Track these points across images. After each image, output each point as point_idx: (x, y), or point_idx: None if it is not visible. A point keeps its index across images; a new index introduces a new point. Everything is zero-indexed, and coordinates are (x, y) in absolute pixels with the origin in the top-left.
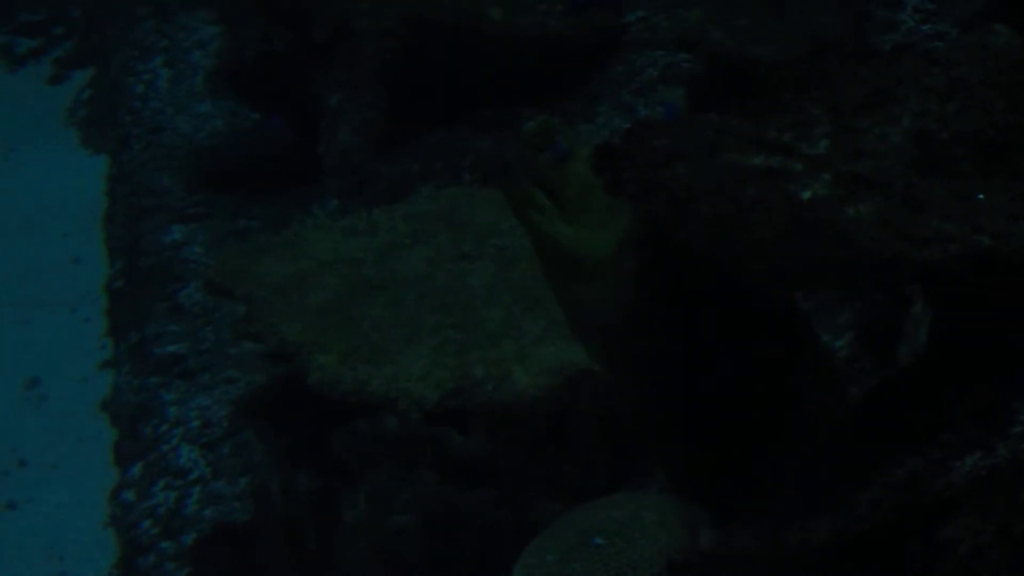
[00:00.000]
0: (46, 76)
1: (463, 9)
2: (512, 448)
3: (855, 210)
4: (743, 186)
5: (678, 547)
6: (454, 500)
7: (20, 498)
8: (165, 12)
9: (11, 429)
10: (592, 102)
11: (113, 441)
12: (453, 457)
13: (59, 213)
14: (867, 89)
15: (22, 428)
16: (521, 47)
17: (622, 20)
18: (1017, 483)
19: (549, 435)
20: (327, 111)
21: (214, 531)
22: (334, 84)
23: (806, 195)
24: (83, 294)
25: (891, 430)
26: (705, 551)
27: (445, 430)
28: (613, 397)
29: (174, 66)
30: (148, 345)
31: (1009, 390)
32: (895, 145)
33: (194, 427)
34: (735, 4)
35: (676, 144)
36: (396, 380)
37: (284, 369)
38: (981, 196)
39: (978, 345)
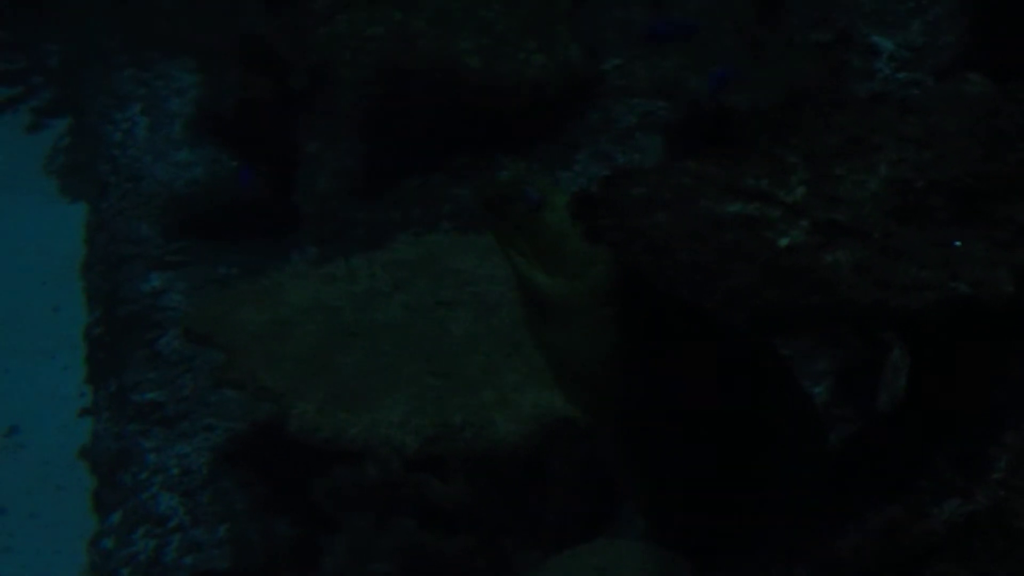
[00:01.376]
0: (24, 124)
1: (441, 57)
2: (491, 495)
3: (833, 257)
4: (721, 233)
5: None
6: (433, 547)
7: None
8: (144, 60)
9: None
10: (570, 149)
11: (92, 489)
12: (432, 504)
13: (38, 261)
14: (844, 137)
15: (1, 476)
16: (499, 95)
17: (600, 67)
18: (996, 530)
19: (528, 482)
20: (305, 158)
21: None
22: (312, 131)
23: (784, 242)
24: (62, 342)
25: (870, 476)
26: None
27: (425, 477)
28: (592, 444)
29: (152, 114)
30: (127, 393)
31: (987, 437)
32: (872, 192)
33: (173, 474)
34: (712, 52)
35: (654, 192)
36: (376, 427)
37: (265, 414)
38: (958, 243)
39: (956, 391)
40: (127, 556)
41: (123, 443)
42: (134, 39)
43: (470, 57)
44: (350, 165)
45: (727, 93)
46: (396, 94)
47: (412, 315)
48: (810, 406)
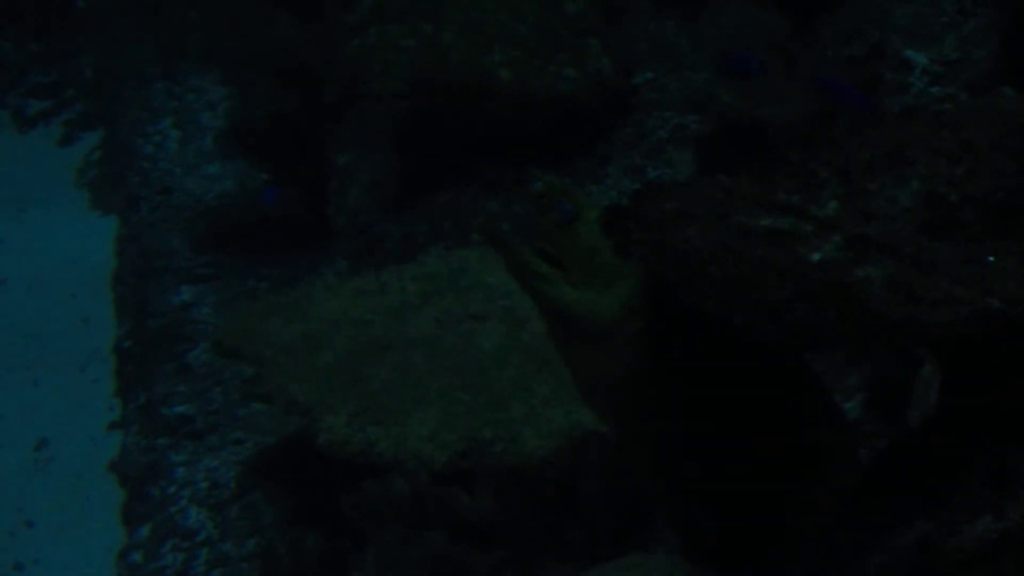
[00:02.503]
0: (56, 137)
1: (472, 70)
2: (520, 509)
3: (865, 272)
4: (753, 248)
5: None
6: (462, 561)
7: (27, 559)
8: (175, 74)
9: (19, 490)
10: (601, 163)
11: (121, 502)
12: (461, 518)
13: (68, 274)
14: (876, 151)
15: (30, 489)
16: (530, 108)
17: (632, 81)
18: None
19: (558, 497)
20: (336, 171)
21: None
22: (344, 145)
23: (816, 257)
24: (92, 354)
25: (902, 492)
26: None
27: (453, 491)
28: (621, 459)
29: (184, 127)
30: (156, 406)
31: (1019, 453)
32: (904, 207)
33: (202, 488)
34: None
35: (685, 206)
36: (405, 441)
37: (294, 427)
38: (991, 259)
39: (988, 408)
40: (155, 570)
41: (152, 456)
42: (166, 52)
43: (501, 70)
44: (381, 178)
45: (746, 78)
46: (427, 107)
47: (442, 329)
48: (842, 421)
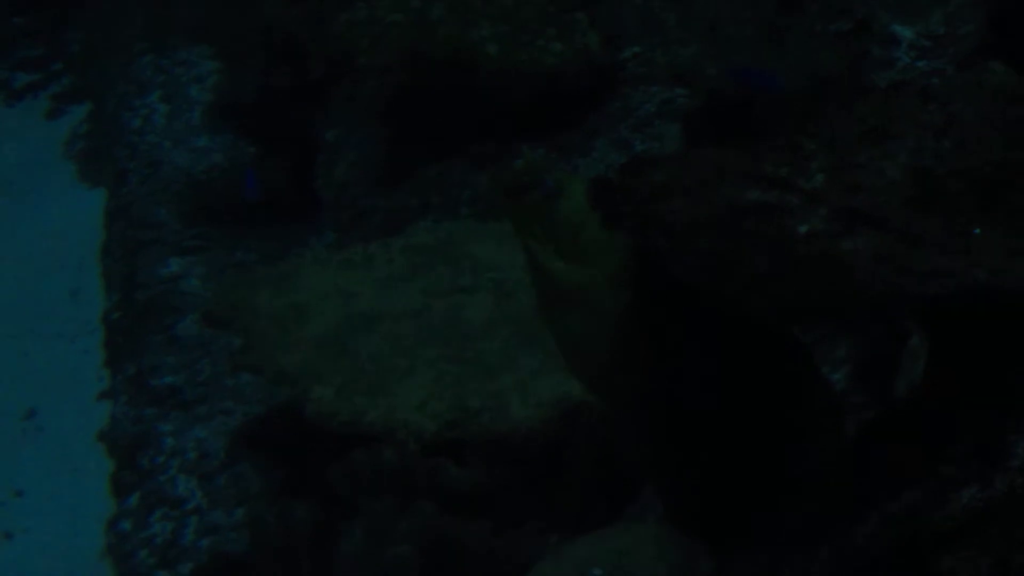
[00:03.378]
0: (44, 111)
1: (460, 45)
2: (509, 479)
3: (852, 244)
4: (740, 220)
5: None
6: (451, 531)
7: (16, 528)
8: (163, 47)
9: (8, 459)
10: (589, 137)
11: (110, 472)
12: (450, 488)
13: (56, 246)
14: (863, 125)
15: (19, 458)
16: (518, 83)
17: (619, 55)
18: (1014, 516)
19: (546, 466)
20: (324, 146)
21: (211, 561)
22: (332, 120)
23: (803, 229)
24: (81, 326)
25: (888, 463)
26: None
27: (442, 461)
28: (609, 429)
29: (172, 101)
30: (145, 376)
31: (1006, 424)
32: (892, 180)
33: (191, 458)
34: (732, 40)
35: (673, 178)
36: (393, 412)
37: (283, 398)
38: (977, 231)
39: (975, 379)
40: (144, 538)
41: (141, 426)
42: (155, 26)
43: (489, 45)
44: (369, 153)
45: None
46: (415, 82)
47: (430, 300)
48: (829, 392)
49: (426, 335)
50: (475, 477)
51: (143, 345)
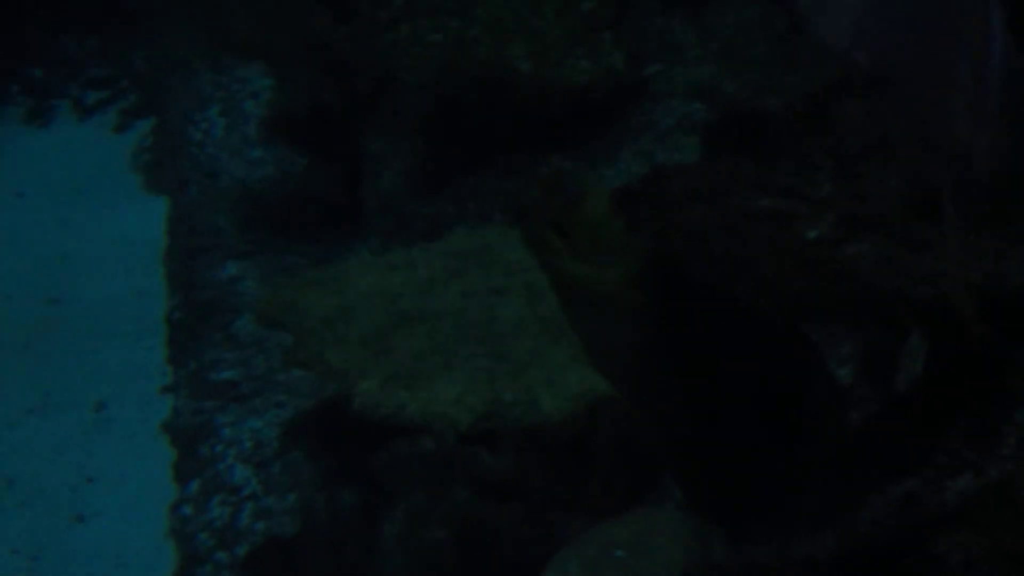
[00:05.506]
0: (112, 125)
1: (495, 63)
2: (539, 468)
3: (857, 249)
4: (753, 226)
5: (693, 560)
6: (485, 516)
7: (88, 512)
8: (221, 65)
9: (80, 449)
10: (614, 148)
11: (173, 460)
12: (484, 476)
13: (124, 251)
14: (869, 137)
15: (90, 447)
16: (549, 98)
17: (642, 73)
18: (1006, 501)
19: (573, 456)
20: (370, 157)
21: (265, 543)
22: (376, 133)
23: (812, 234)
24: (146, 325)
25: (890, 452)
26: (718, 563)
27: (477, 451)
28: (632, 422)
29: (229, 115)
30: (205, 372)
31: (999, 416)
32: (893, 189)
33: (247, 447)
34: (747, 59)
35: (691, 187)
36: (432, 404)
37: (331, 392)
38: (973, 237)
39: (970, 374)
40: (204, 522)
41: (201, 418)
42: (213, 46)
43: (522, 63)
44: (411, 164)
45: None
46: (453, 97)
47: (466, 301)
48: (835, 386)
49: (462, 334)
50: (507, 465)
51: (202, 343)
